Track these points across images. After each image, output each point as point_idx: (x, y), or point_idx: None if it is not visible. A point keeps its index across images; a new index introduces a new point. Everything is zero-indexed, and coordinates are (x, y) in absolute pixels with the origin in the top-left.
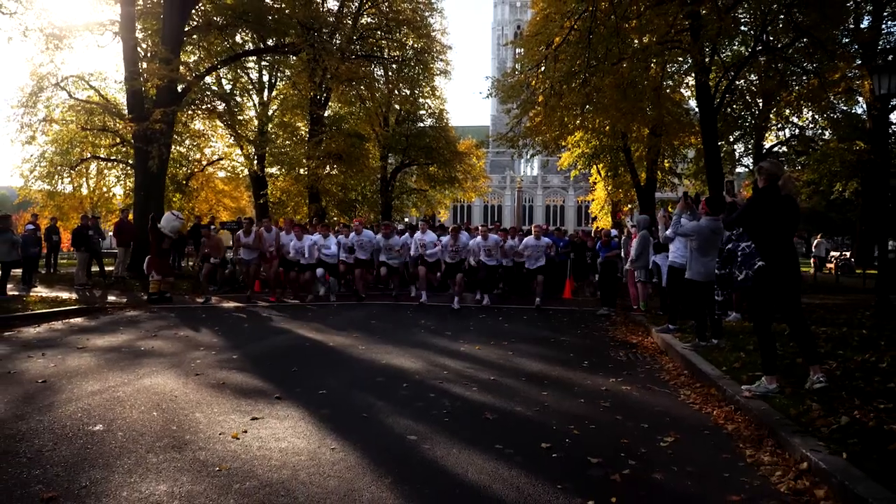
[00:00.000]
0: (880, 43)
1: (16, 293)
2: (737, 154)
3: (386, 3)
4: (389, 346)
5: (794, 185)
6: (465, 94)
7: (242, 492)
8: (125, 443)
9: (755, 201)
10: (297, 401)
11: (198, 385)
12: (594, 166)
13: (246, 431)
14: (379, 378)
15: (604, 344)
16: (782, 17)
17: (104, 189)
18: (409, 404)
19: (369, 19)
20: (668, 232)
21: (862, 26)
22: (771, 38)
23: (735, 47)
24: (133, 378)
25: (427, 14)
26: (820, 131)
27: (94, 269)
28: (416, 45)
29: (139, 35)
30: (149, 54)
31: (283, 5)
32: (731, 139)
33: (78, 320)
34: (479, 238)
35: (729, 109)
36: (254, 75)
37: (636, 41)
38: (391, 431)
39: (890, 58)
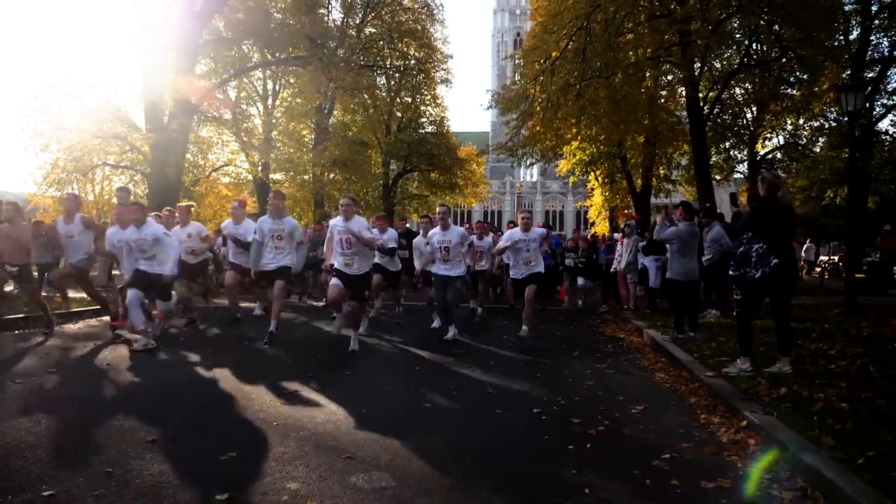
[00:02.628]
0: (869, 54)
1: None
2: (734, 161)
3: (388, 14)
4: (399, 339)
5: (791, 197)
6: (466, 100)
7: (298, 437)
8: (195, 405)
9: (761, 208)
10: (327, 379)
11: (241, 366)
12: (592, 173)
13: (290, 399)
14: (395, 362)
15: (594, 338)
16: (766, 33)
17: (107, 196)
18: (422, 382)
19: (372, 29)
20: (654, 235)
21: (852, 37)
22: (759, 51)
23: (725, 60)
24: (184, 361)
25: (428, 24)
26: (812, 138)
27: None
28: (417, 55)
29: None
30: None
31: (291, 18)
32: (726, 147)
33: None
34: (435, 230)
35: (719, 119)
36: (258, 84)
37: (630, 55)
38: (409, 400)
39: (878, 68)
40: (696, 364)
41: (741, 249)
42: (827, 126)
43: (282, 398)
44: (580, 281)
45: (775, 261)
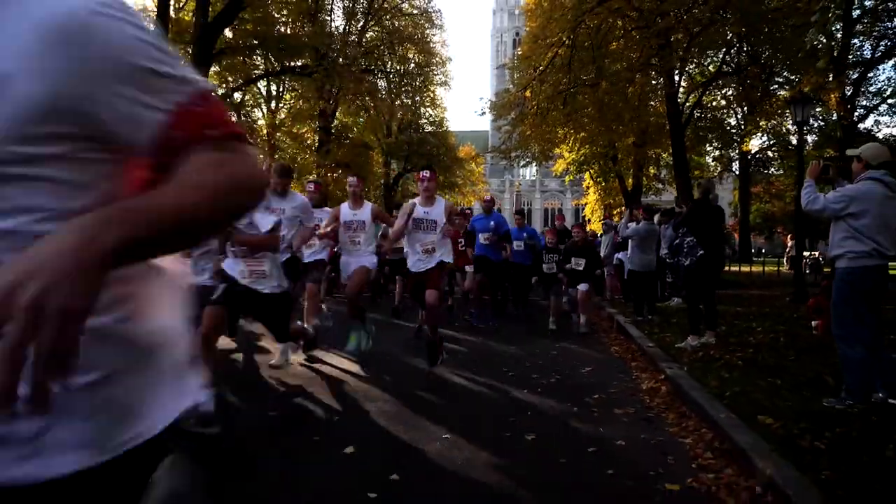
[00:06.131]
0: (851, 57)
1: None
2: (725, 159)
3: (388, 19)
4: (400, 321)
5: (716, 198)
6: (467, 99)
7: (349, 393)
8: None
9: (695, 209)
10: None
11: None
12: (587, 172)
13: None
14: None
15: (567, 323)
16: (738, 46)
17: None
18: (419, 354)
19: (372, 34)
20: (619, 233)
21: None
22: (735, 61)
23: (702, 68)
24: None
25: (427, 29)
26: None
27: None
28: (417, 59)
29: None
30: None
31: (295, 26)
32: (718, 146)
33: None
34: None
35: (699, 123)
36: (262, 87)
37: (621, 64)
38: (409, 365)
39: (860, 69)
40: (644, 338)
41: (676, 241)
42: (816, 126)
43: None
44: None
45: (701, 252)
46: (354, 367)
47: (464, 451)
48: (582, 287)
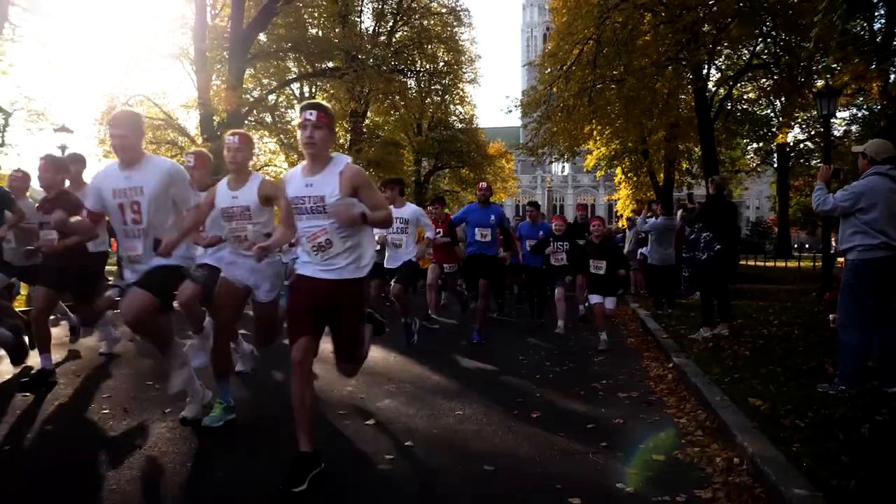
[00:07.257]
0: (894, 43)
1: None
2: (762, 153)
3: (417, 19)
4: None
5: (730, 194)
6: (498, 95)
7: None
8: None
9: (709, 205)
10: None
11: None
12: (618, 167)
13: None
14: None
15: (588, 316)
16: (769, 38)
17: None
18: (436, 341)
19: (401, 34)
20: (637, 227)
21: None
22: (766, 53)
23: (732, 60)
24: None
25: (456, 27)
26: (847, 128)
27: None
28: (446, 58)
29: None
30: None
31: (326, 29)
32: (745, 141)
33: None
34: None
35: (731, 117)
36: (295, 89)
37: (645, 60)
38: (428, 350)
39: None
40: (660, 330)
41: (692, 237)
42: (860, 116)
43: None
44: (594, 298)
45: (718, 247)
46: (377, 354)
47: (472, 425)
48: (609, 304)
